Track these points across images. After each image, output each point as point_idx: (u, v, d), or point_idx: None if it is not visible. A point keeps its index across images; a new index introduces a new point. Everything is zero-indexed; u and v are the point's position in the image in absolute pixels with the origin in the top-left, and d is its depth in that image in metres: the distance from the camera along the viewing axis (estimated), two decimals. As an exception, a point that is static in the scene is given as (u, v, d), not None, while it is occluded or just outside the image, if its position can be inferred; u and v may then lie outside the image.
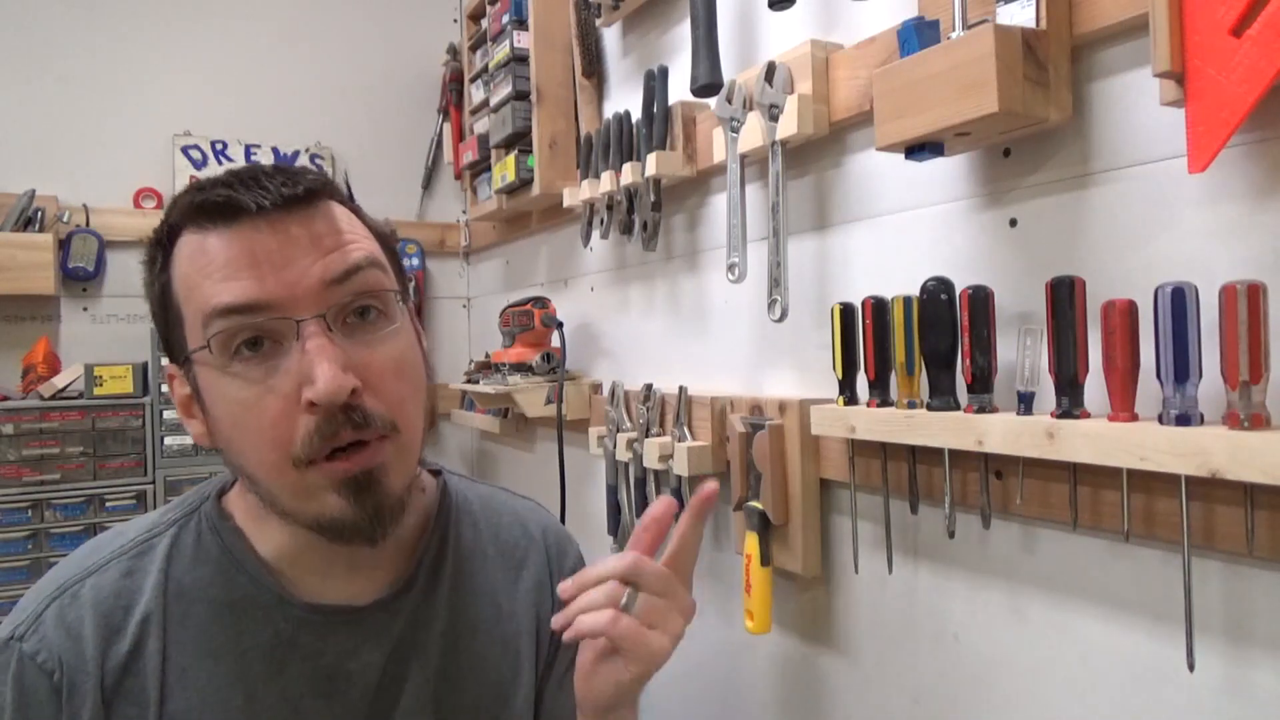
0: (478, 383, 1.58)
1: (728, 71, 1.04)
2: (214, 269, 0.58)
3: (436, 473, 0.80)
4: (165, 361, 0.67)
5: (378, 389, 0.59)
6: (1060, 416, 0.64)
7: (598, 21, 1.42)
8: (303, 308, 0.58)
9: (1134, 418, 0.61)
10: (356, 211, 0.66)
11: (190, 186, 0.61)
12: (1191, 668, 0.60)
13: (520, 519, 0.82)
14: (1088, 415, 0.64)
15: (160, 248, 0.62)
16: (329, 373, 0.56)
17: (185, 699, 0.62)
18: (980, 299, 0.71)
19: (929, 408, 0.75)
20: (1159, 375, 0.58)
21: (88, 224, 1.83)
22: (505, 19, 1.57)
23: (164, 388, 1.75)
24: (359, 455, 0.59)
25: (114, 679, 0.61)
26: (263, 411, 0.57)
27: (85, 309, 1.87)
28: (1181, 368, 0.57)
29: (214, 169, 1.98)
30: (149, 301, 0.64)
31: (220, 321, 0.57)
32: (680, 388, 1.14)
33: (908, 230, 0.86)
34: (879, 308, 0.81)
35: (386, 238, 0.68)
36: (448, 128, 2.15)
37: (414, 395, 0.64)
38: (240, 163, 1.98)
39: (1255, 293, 0.54)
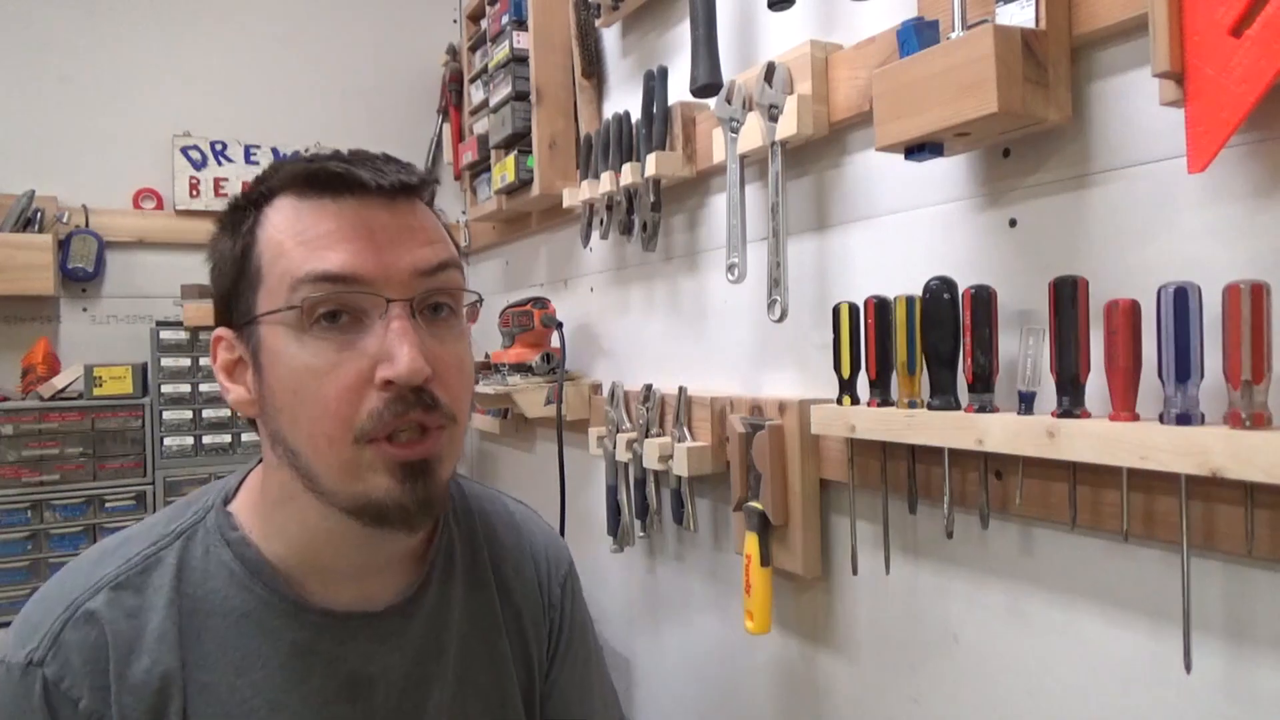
0: (477, 383, 1.58)
1: (727, 71, 1.04)
2: (313, 235, 0.59)
3: None
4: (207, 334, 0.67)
5: (444, 380, 0.61)
6: (1061, 416, 0.64)
7: (597, 22, 1.42)
8: (393, 289, 0.60)
9: (1135, 417, 0.61)
10: (440, 216, 0.69)
11: (296, 159, 0.63)
12: (1189, 669, 0.60)
13: (515, 524, 0.83)
14: (1088, 415, 0.64)
15: (251, 209, 0.63)
16: (411, 354, 0.58)
17: (209, 714, 0.62)
18: (983, 299, 0.71)
19: (930, 407, 0.75)
20: (1160, 375, 0.58)
21: (87, 224, 1.84)
22: (505, 19, 1.57)
23: (163, 388, 1.76)
24: (420, 444, 0.60)
25: (134, 699, 0.60)
26: (332, 382, 0.58)
27: (85, 309, 1.87)
28: (1183, 367, 0.57)
29: (214, 169, 1.98)
30: (217, 261, 0.64)
31: (310, 286, 0.58)
32: (680, 388, 1.14)
33: (907, 230, 0.86)
34: (881, 307, 0.81)
35: (458, 247, 0.71)
36: (447, 128, 2.15)
37: (469, 395, 0.66)
38: (240, 163, 2.00)
39: (1259, 292, 0.54)
